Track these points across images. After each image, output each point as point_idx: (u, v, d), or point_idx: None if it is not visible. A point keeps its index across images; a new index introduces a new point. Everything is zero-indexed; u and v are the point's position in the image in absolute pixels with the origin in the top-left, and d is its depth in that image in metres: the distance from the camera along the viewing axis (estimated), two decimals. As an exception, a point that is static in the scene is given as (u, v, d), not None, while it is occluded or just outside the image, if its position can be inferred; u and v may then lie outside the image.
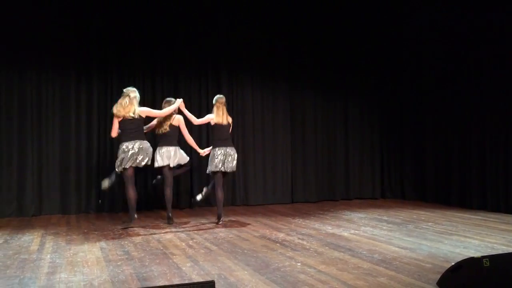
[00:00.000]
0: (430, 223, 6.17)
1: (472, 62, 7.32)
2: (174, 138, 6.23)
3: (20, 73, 7.01)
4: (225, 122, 6.24)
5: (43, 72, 7.12)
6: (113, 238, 5.36)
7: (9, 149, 6.94)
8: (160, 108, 6.37)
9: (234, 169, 6.33)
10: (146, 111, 6.06)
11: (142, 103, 7.34)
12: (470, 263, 3.36)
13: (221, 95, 6.48)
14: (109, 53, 7.40)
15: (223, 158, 6.14)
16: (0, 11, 6.89)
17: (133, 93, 5.96)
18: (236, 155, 6.29)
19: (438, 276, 3.58)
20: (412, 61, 8.55)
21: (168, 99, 6.40)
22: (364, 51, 8.77)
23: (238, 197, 8.01)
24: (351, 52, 8.70)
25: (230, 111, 7.98)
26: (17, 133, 6.98)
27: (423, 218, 6.62)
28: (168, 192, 6.20)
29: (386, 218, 6.61)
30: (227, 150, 6.18)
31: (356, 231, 5.67)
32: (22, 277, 3.86)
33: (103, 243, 5.11)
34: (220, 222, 6.19)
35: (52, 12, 7.12)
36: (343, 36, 8.66)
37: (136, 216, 6.00)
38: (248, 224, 6.25)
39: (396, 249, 4.73)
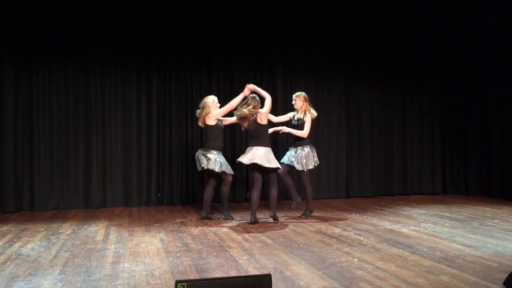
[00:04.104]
0: (496, 220, 5.86)
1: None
2: None
3: (85, 72, 7.36)
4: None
5: (106, 70, 7.44)
6: (172, 231, 5.53)
7: (76, 145, 7.32)
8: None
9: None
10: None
11: (199, 97, 7.25)
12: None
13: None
14: (167, 49, 7.59)
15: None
16: (67, 14, 7.26)
17: None
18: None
19: (505, 276, 3.41)
20: (477, 46, 8.09)
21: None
22: (423, 39, 8.45)
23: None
24: (409, 40, 8.42)
25: (285, 105, 7.93)
26: (83, 132, 7.34)
27: (488, 214, 6.29)
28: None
29: (448, 215, 6.35)
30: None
31: (416, 228, 5.50)
32: (89, 265, 4.08)
33: (163, 235, 5.29)
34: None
35: (114, 15, 7.42)
36: (400, 25, 8.39)
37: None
38: (303, 218, 6.23)
39: (459, 246, 4.55)
